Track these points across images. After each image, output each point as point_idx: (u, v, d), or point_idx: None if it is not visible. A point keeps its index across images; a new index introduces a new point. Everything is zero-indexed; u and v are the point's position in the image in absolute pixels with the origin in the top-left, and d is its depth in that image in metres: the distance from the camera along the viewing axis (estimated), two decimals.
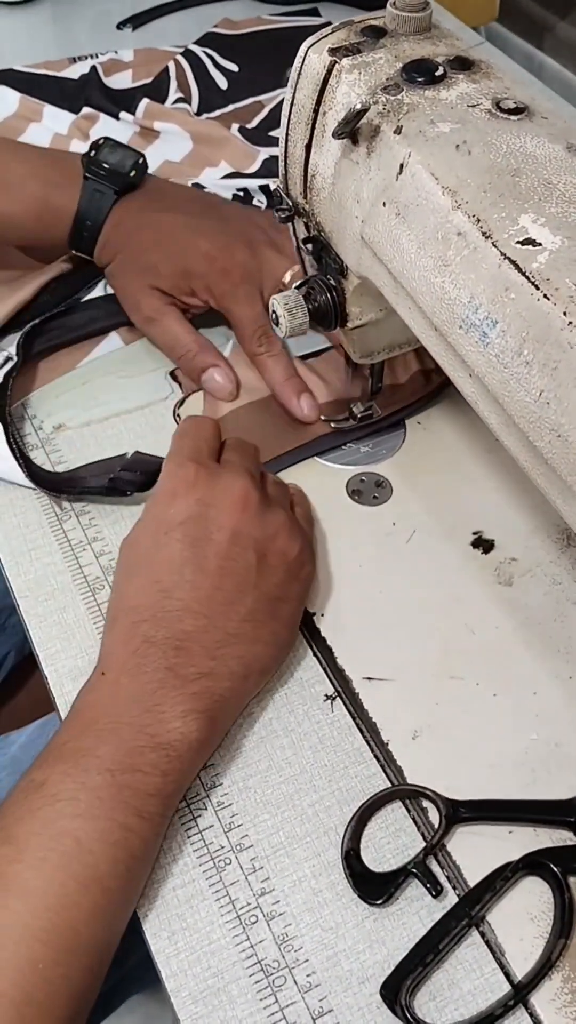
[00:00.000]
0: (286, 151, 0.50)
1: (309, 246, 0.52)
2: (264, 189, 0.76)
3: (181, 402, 0.63)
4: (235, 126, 0.83)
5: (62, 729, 0.44)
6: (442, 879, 0.44)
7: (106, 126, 0.83)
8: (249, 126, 0.84)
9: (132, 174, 0.63)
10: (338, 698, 0.50)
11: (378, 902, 0.43)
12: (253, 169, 0.79)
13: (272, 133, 0.83)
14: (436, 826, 0.45)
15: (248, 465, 0.52)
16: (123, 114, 0.83)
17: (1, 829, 0.41)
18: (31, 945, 0.38)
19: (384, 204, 0.43)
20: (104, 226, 0.63)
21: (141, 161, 0.64)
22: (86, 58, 0.92)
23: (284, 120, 0.49)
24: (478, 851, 0.44)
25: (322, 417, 0.62)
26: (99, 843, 0.40)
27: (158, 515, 0.49)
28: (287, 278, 0.61)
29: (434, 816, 0.45)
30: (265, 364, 0.62)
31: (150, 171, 0.78)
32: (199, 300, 0.62)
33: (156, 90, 0.87)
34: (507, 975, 0.41)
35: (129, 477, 0.56)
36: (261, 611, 0.47)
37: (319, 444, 0.60)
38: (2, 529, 0.57)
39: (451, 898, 0.43)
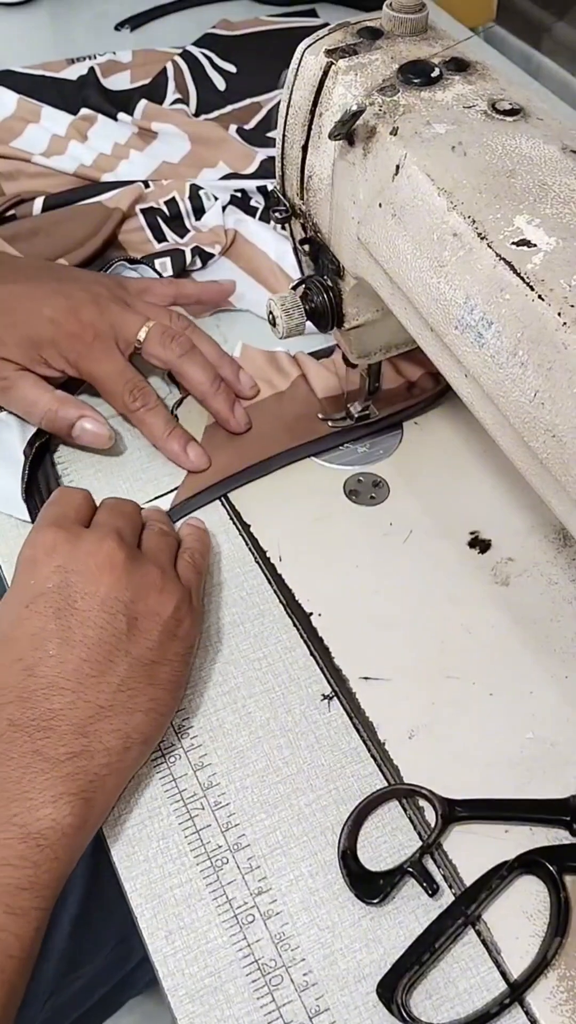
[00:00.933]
0: (283, 152, 0.50)
1: (306, 247, 0.52)
2: (262, 190, 0.77)
3: (179, 402, 0.63)
4: (233, 127, 0.83)
5: None
6: (438, 878, 0.44)
7: (104, 127, 0.83)
8: (247, 127, 0.84)
9: None
10: (335, 698, 0.50)
11: (374, 901, 0.43)
12: (251, 170, 0.79)
13: (270, 134, 0.84)
14: (432, 825, 0.45)
15: (117, 523, 0.49)
16: (121, 115, 0.83)
17: None
18: None
19: (380, 205, 0.43)
20: None
21: None
22: (84, 59, 0.92)
23: (281, 121, 0.49)
24: (474, 850, 0.44)
25: (320, 415, 0.62)
26: None
27: (19, 586, 0.46)
28: (142, 335, 0.59)
29: (430, 815, 0.45)
30: (144, 420, 0.59)
31: (150, 172, 0.79)
32: (54, 370, 0.58)
33: (154, 91, 0.88)
34: (503, 974, 0.41)
35: None
36: (136, 678, 0.44)
37: (316, 444, 0.60)
38: (3, 540, 0.57)
39: (447, 897, 0.43)
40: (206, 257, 0.72)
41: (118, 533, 0.48)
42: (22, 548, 0.48)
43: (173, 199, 0.75)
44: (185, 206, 0.75)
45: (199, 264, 0.72)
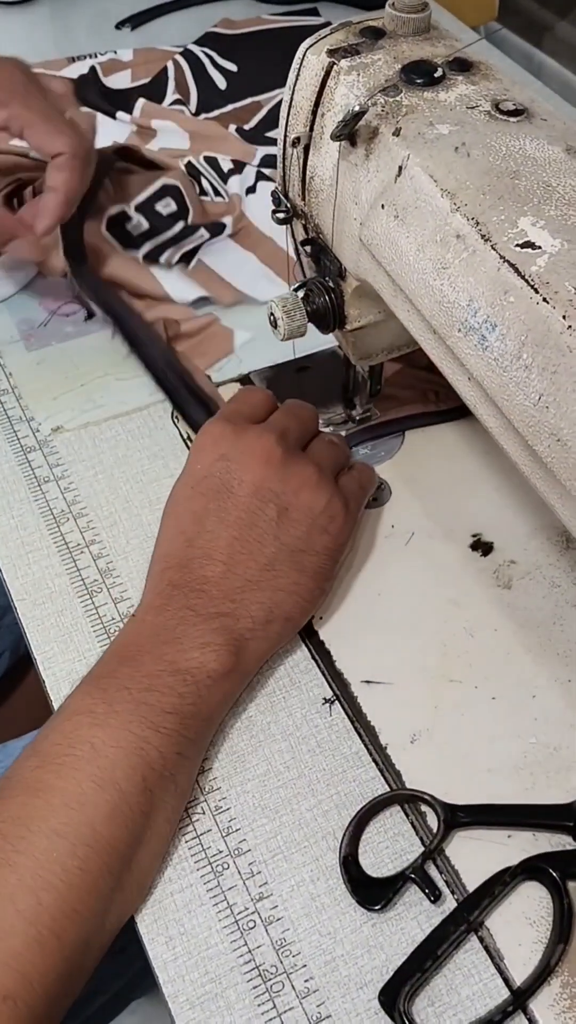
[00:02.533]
0: (284, 152, 0.50)
1: (307, 248, 0.52)
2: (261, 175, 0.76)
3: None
4: (232, 126, 0.83)
5: (94, 666, 0.47)
6: (441, 884, 0.43)
7: (103, 125, 0.83)
8: (247, 127, 0.84)
9: None
10: (336, 702, 0.49)
11: (376, 907, 0.43)
12: (254, 164, 0.79)
13: (270, 133, 0.83)
14: (435, 831, 0.44)
15: (287, 423, 0.53)
16: (120, 114, 0.83)
17: (31, 747, 0.43)
18: (48, 837, 0.40)
19: (383, 206, 0.43)
20: None
21: None
22: (85, 58, 0.91)
23: (282, 121, 0.49)
24: (477, 856, 0.44)
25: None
26: (114, 748, 0.42)
27: (188, 470, 0.52)
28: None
29: (433, 821, 0.45)
30: (61, 165, 0.60)
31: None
32: None
33: (154, 90, 0.87)
34: (506, 980, 0.41)
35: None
36: (282, 561, 0.49)
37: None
38: (3, 541, 0.56)
39: (450, 903, 0.43)
40: (216, 228, 0.71)
41: (282, 431, 0.52)
42: (196, 437, 0.53)
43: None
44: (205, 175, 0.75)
45: (206, 235, 0.71)
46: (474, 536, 0.56)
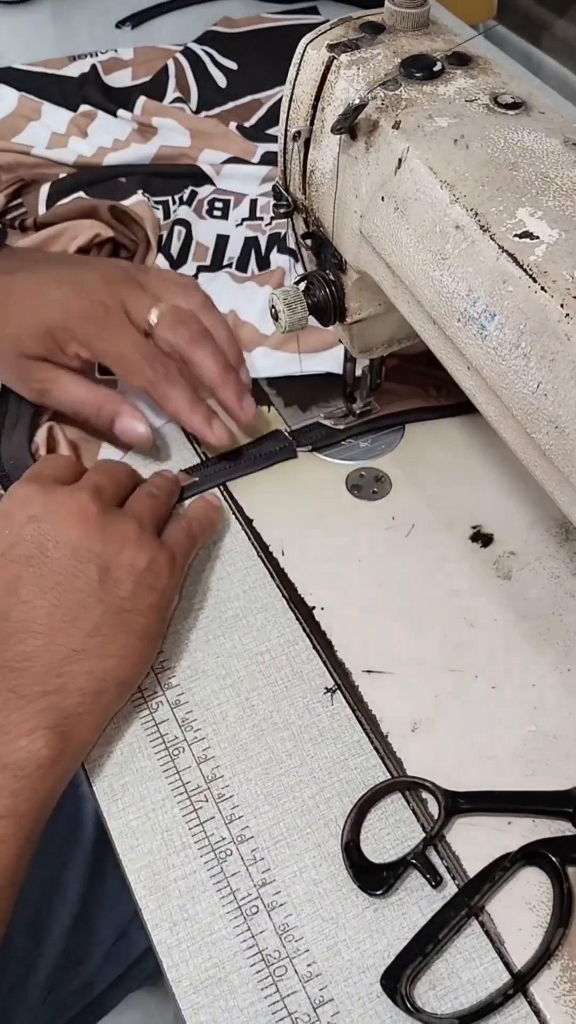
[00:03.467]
0: (285, 147, 0.50)
1: (308, 241, 0.52)
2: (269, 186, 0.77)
3: None
4: (233, 124, 0.83)
5: None
6: (441, 870, 0.44)
7: (104, 124, 0.83)
8: (247, 124, 0.85)
9: None
10: (338, 691, 0.50)
11: (378, 893, 0.43)
12: (254, 162, 0.79)
13: (270, 130, 0.84)
14: (435, 817, 0.45)
15: (99, 480, 0.50)
16: (121, 111, 0.84)
17: None
18: None
19: (383, 199, 0.43)
20: None
21: None
22: (86, 56, 0.92)
23: (283, 116, 0.49)
24: (477, 842, 0.45)
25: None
26: None
27: None
28: (153, 318, 0.57)
29: (433, 807, 0.45)
30: (167, 394, 0.56)
31: (149, 158, 0.79)
32: (71, 356, 0.57)
33: (155, 88, 0.88)
34: (506, 964, 0.41)
35: None
36: (109, 624, 0.46)
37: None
38: None
39: (451, 888, 0.43)
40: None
41: (95, 488, 0.49)
42: (0, 503, 0.49)
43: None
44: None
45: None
46: (474, 528, 0.57)
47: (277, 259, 0.71)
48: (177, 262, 0.72)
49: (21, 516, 0.47)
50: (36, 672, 0.44)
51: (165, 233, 0.73)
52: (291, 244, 0.72)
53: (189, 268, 0.72)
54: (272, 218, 0.74)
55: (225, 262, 0.73)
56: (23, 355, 0.57)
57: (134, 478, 0.54)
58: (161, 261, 0.71)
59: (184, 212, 0.75)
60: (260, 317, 0.66)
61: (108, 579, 0.47)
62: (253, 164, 0.79)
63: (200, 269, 0.72)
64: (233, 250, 0.73)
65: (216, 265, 0.72)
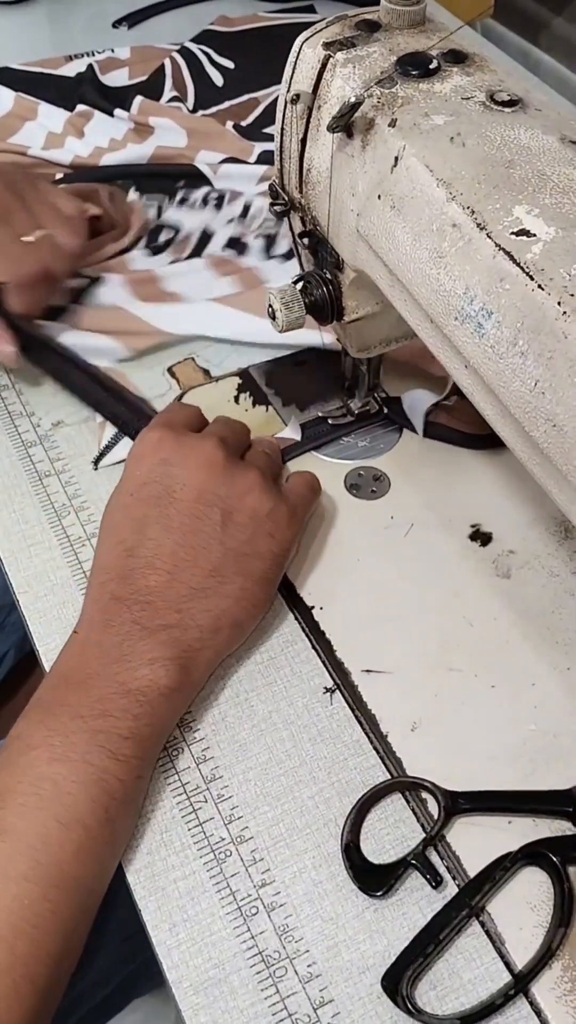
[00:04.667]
0: (281, 146, 0.50)
1: (305, 240, 0.52)
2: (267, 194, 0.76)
3: (179, 398, 0.63)
4: (230, 123, 0.83)
5: (40, 688, 0.46)
6: (442, 870, 0.44)
7: (100, 123, 0.83)
8: (244, 123, 0.84)
9: None
10: (337, 691, 0.50)
11: (378, 893, 0.43)
12: (250, 162, 0.79)
13: (267, 130, 0.84)
14: (435, 817, 0.45)
15: (223, 432, 0.52)
16: (117, 111, 0.83)
17: None
18: (17, 883, 0.39)
19: (379, 197, 0.43)
20: None
21: None
22: (82, 56, 0.92)
23: (279, 114, 0.49)
24: (477, 842, 0.44)
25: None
26: (76, 784, 0.41)
27: (126, 478, 0.51)
28: (30, 239, 0.59)
29: (433, 807, 0.45)
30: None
31: (146, 159, 0.79)
32: None
33: (151, 88, 0.88)
34: (507, 965, 0.41)
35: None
36: (228, 567, 0.48)
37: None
38: (1, 525, 0.57)
39: (451, 889, 0.43)
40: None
41: (222, 438, 0.51)
42: (133, 445, 0.52)
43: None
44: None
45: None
46: (473, 526, 0.57)
47: (253, 260, 0.71)
48: (155, 253, 0.72)
49: (153, 458, 0.50)
50: (158, 607, 0.46)
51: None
52: (279, 251, 0.71)
53: (164, 259, 0.72)
54: (263, 222, 0.74)
55: (203, 256, 0.72)
56: None
57: (249, 436, 0.56)
58: (141, 250, 0.71)
59: (175, 214, 0.74)
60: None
61: (230, 523, 0.48)
62: (250, 164, 0.79)
63: (174, 261, 0.72)
64: (214, 247, 0.73)
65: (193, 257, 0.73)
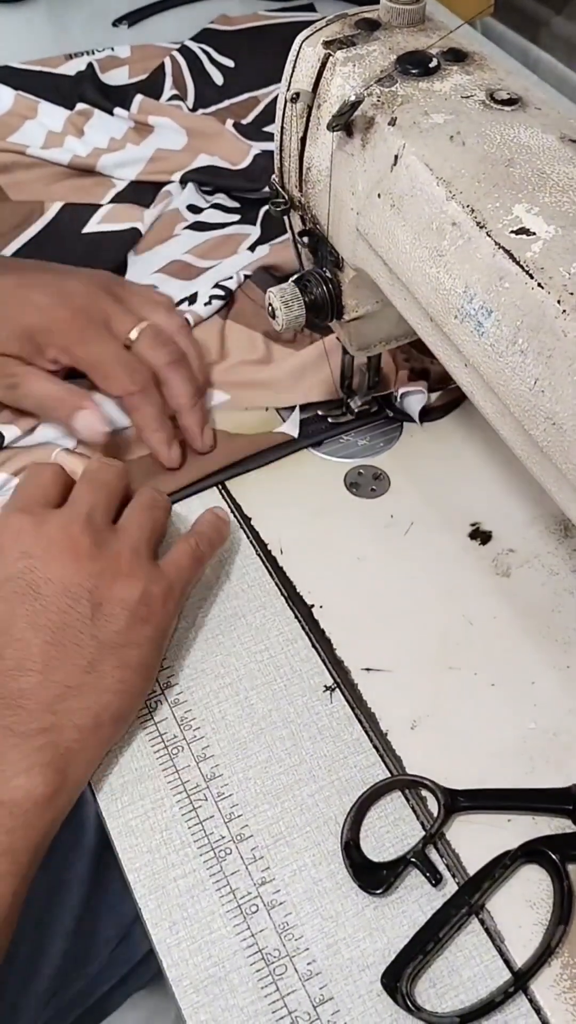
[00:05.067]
0: (281, 144, 0.50)
1: (305, 239, 0.52)
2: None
3: None
4: (230, 121, 0.83)
5: None
6: (441, 868, 0.44)
7: (100, 122, 0.83)
8: (244, 122, 0.84)
9: None
10: (337, 689, 0.50)
11: (378, 891, 0.43)
12: (244, 164, 0.79)
13: (267, 128, 0.84)
14: (435, 815, 0.45)
15: (91, 499, 0.49)
16: (117, 110, 0.83)
17: None
18: None
19: (379, 196, 0.43)
20: None
21: None
22: (82, 55, 0.92)
23: (279, 113, 0.49)
24: (477, 840, 0.44)
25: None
26: None
27: None
28: (134, 335, 0.58)
29: (433, 805, 0.45)
30: (138, 406, 0.57)
31: (144, 161, 0.79)
32: (49, 360, 0.58)
33: (151, 86, 0.88)
34: (507, 962, 0.41)
35: None
36: (103, 660, 0.45)
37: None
38: None
39: (451, 887, 0.43)
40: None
41: (88, 514, 0.48)
42: None
43: None
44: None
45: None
46: (473, 525, 0.57)
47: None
48: None
49: (14, 552, 0.47)
50: (31, 709, 0.44)
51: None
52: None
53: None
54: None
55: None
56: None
57: (125, 481, 0.53)
58: None
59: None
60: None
61: (100, 615, 0.46)
62: (242, 173, 0.78)
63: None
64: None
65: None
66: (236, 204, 0.78)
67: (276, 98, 0.84)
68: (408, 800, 0.46)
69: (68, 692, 0.44)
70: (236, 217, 0.76)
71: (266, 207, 0.56)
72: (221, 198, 0.78)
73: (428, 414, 0.62)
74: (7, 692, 0.44)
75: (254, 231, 0.74)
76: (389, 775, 0.47)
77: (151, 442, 0.58)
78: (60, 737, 0.44)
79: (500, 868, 0.43)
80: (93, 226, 0.74)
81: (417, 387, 0.61)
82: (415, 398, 0.61)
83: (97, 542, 0.47)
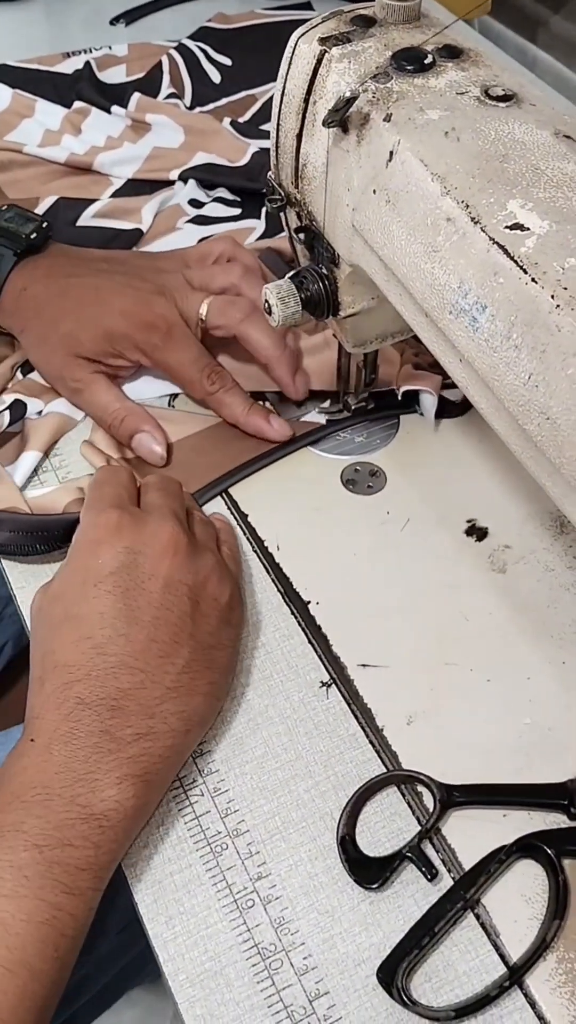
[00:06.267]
0: (277, 141, 0.50)
1: (301, 235, 0.52)
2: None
3: (175, 396, 0.63)
4: (227, 120, 0.83)
5: None
6: (437, 863, 0.44)
7: (97, 120, 0.83)
8: (241, 120, 0.85)
9: (33, 236, 0.61)
10: (333, 685, 0.50)
11: (373, 886, 0.43)
12: (243, 162, 0.79)
13: (264, 127, 0.84)
14: (431, 810, 0.45)
15: (173, 506, 0.50)
16: (114, 108, 0.84)
17: None
18: None
19: (374, 192, 0.43)
20: (5, 288, 0.60)
21: (44, 225, 0.62)
22: (80, 53, 0.92)
23: (275, 110, 0.49)
24: (473, 835, 0.45)
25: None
26: (25, 924, 0.38)
27: (84, 566, 0.46)
28: (203, 311, 0.59)
29: (429, 800, 0.45)
30: (223, 401, 0.59)
31: (142, 159, 0.79)
32: (127, 361, 0.60)
33: (149, 84, 0.88)
34: (502, 957, 0.42)
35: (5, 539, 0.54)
36: (198, 661, 0.45)
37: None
38: None
39: (446, 881, 0.43)
40: None
41: (176, 516, 0.49)
42: (81, 529, 0.48)
43: None
44: None
45: None
46: (469, 522, 0.57)
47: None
48: None
49: (116, 545, 0.46)
50: (131, 712, 0.43)
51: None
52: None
53: None
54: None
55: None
56: (75, 354, 0.59)
57: (182, 491, 0.54)
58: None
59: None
60: None
61: (198, 614, 0.46)
62: (241, 169, 0.78)
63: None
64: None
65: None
66: (237, 198, 0.78)
67: (273, 96, 0.84)
68: (404, 795, 0.46)
69: (167, 694, 0.44)
70: (238, 211, 0.76)
71: None
72: (222, 192, 0.78)
73: (447, 411, 0.62)
74: (108, 691, 0.43)
75: (259, 224, 0.75)
76: (385, 770, 0.47)
77: (250, 426, 0.60)
78: (155, 744, 0.43)
79: (495, 863, 0.43)
80: (87, 220, 0.75)
81: (424, 386, 0.61)
82: (429, 398, 0.61)
83: (191, 543, 0.48)
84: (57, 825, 0.40)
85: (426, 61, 0.44)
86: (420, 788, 0.46)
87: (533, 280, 0.35)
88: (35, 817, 0.40)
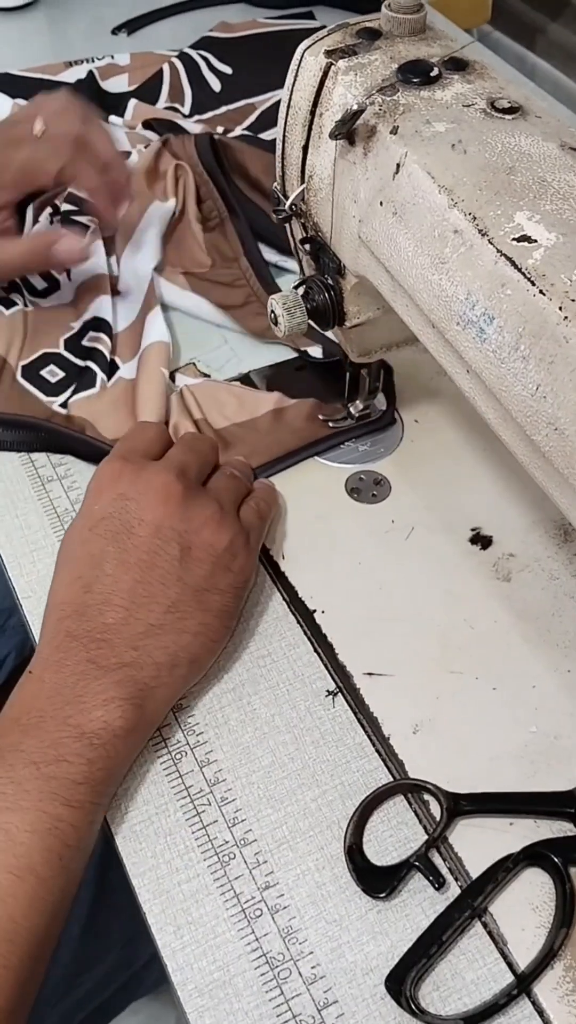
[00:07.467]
0: (283, 153, 0.50)
1: (307, 246, 0.53)
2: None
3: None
4: (220, 129, 0.83)
5: None
6: (444, 871, 0.44)
7: None
8: (239, 128, 0.85)
9: None
10: (339, 694, 0.50)
11: (381, 895, 0.43)
12: None
13: (262, 135, 0.84)
14: (438, 819, 0.45)
15: (185, 458, 0.52)
16: (112, 117, 0.84)
17: None
18: None
19: (381, 203, 0.44)
20: None
21: None
22: (82, 62, 0.92)
23: (281, 122, 0.49)
24: (479, 843, 0.45)
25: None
26: (29, 833, 0.40)
27: (84, 512, 0.50)
28: (38, 126, 0.62)
29: (435, 809, 0.46)
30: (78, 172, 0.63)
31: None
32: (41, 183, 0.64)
33: (148, 92, 0.88)
34: (510, 965, 0.42)
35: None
36: (186, 602, 0.47)
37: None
38: (3, 530, 0.57)
39: (453, 890, 0.44)
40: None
41: (182, 467, 0.51)
42: (93, 476, 0.52)
43: None
44: None
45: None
46: (473, 530, 0.57)
47: None
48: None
49: (111, 492, 0.49)
50: (115, 644, 0.46)
51: None
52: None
53: None
54: None
55: None
56: None
57: (216, 453, 0.55)
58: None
59: None
60: None
61: (189, 558, 0.48)
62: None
63: None
64: None
65: None
66: None
67: (272, 105, 0.85)
68: (411, 804, 0.46)
69: (151, 630, 0.46)
70: None
71: None
72: None
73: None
74: (93, 626, 0.46)
75: None
76: (391, 779, 0.47)
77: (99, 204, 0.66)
78: (139, 673, 0.45)
79: (503, 871, 0.43)
80: None
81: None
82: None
83: (189, 491, 0.50)
84: (52, 743, 0.42)
85: (432, 74, 0.44)
86: (427, 797, 0.46)
87: (541, 292, 0.36)
88: (31, 737, 0.43)
